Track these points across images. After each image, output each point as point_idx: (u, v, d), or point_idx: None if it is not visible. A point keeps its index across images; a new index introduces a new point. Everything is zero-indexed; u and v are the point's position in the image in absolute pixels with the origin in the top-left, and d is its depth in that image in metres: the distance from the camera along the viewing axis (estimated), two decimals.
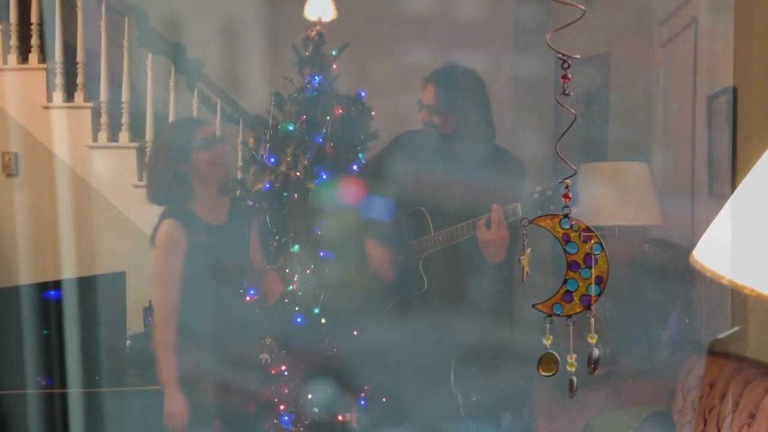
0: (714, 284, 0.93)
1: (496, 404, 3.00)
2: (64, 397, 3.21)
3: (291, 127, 3.17)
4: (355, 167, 3.19)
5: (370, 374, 2.98)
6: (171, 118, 4.19)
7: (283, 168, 3.17)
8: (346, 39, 3.30)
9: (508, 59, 4.40)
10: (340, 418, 3.03)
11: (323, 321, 3.08)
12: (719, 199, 3.04)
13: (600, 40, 4.24)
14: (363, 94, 3.27)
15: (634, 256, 3.34)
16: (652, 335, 3.26)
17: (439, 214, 2.83)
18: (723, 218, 0.96)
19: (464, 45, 4.22)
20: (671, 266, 3.14)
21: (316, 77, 3.18)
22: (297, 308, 3.08)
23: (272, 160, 3.20)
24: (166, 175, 2.68)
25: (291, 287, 3.11)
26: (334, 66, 3.25)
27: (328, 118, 3.17)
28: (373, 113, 3.28)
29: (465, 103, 2.83)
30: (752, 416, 2.25)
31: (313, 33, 3.19)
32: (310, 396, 3.03)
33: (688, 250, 1.01)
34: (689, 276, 3.18)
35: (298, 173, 3.15)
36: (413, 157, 2.89)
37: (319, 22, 3.21)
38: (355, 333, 3.06)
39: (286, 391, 3.02)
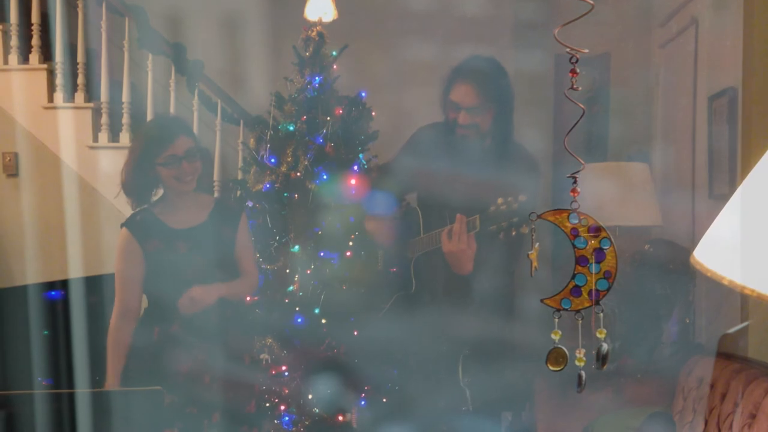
0: (714, 284, 0.93)
1: (496, 403, 3.00)
2: (68, 397, 3.21)
3: (291, 128, 3.17)
4: (355, 167, 3.19)
5: (370, 374, 2.98)
6: None
7: (283, 168, 3.18)
8: (347, 39, 3.30)
9: (508, 55, 4.39)
10: (340, 418, 3.03)
11: (323, 321, 3.08)
12: (719, 199, 3.04)
13: (601, 40, 4.24)
14: (363, 94, 3.27)
15: (635, 256, 3.34)
16: (653, 336, 3.26)
17: (448, 211, 2.79)
18: (723, 218, 0.96)
19: (465, 41, 4.22)
20: (672, 266, 3.14)
21: (317, 78, 3.18)
22: (297, 308, 3.08)
23: (273, 160, 3.20)
24: (136, 174, 2.66)
25: (291, 287, 3.11)
26: (335, 66, 3.25)
27: (328, 118, 3.17)
28: (373, 113, 3.29)
29: (499, 99, 2.74)
30: (753, 416, 2.25)
31: (314, 33, 3.20)
32: (310, 396, 3.03)
33: (689, 251, 1.02)
34: (690, 276, 3.18)
35: (298, 173, 3.15)
36: (433, 152, 2.83)
37: (320, 23, 3.22)
38: (355, 333, 3.06)
39: (287, 391, 3.02)
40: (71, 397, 2.71)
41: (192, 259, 2.66)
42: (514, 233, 2.48)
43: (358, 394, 3.06)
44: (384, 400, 3.07)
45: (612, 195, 3.25)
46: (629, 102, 4.32)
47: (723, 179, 3.04)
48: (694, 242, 1.00)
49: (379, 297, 2.97)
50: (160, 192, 2.76)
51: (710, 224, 0.98)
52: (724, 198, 1.00)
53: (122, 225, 2.69)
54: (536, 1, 4.35)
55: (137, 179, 2.66)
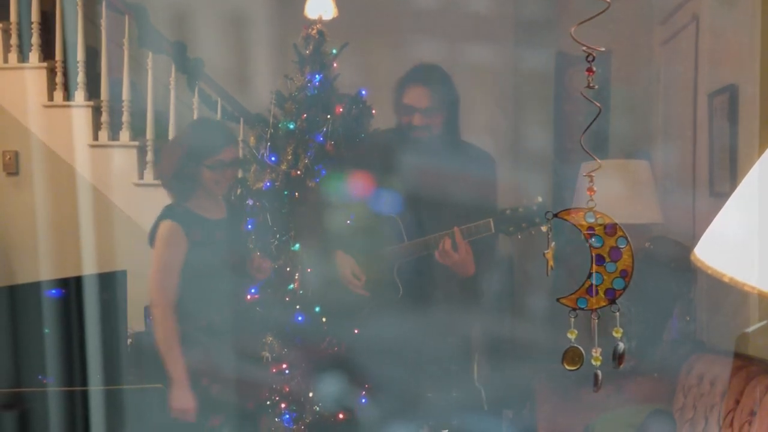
0: (715, 282, 0.93)
1: (498, 402, 3.00)
2: (72, 395, 3.22)
3: (292, 126, 3.17)
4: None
5: (371, 372, 2.98)
6: (172, 117, 4.19)
7: (283, 166, 3.18)
8: (347, 37, 3.30)
9: (509, 53, 4.39)
10: (341, 416, 3.03)
11: (324, 320, 3.08)
12: (720, 197, 3.04)
13: (603, 38, 4.23)
14: (363, 92, 3.27)
15: (635, 255, 3.34)
16: (653, 333, 3.26)
17: (428, 215, 2.84)
18: (724, 216, 0.96)
19: (466, 39, 4.21)
20: (672, 264, 3.14)
21: (317, 76, 3.18)
22: (298, 306, 3.08)
23: (273, 158, 3.20)
24: (176, 168, 2.79)
25: (292, 286, 3.11)
26: (335, 64, 3.24)
27: (328, 116, 3.17)
28: (373, 111, 3.28)
29: (448, 102, 2.86)
30: (753, 413, 2.25)
31: (314, 31, 3.19)
32: (311, 394, 3.03)
33: (689, 248, 1.01)
34: (690, 274, 3.18)
35: (298, 172, 3.15)
36: (390, 157, 2.89)
37: (320, 21, 3.21)
38: (355, 331, 3.06)
39: (287, 389, 3.02)
40: (74, 395, 2.71)
41: (228, 248, 2.81)
42: (533, 233, 2.61)
43: (359, 392, 3.06)
44: (385, 398, 3.07)
45: (613, 193, 3.25)
46: (630, 100, 4.31)
47: (724, 177, 3.04)
48: (695, 240, 0.99)
49: (376, 297, 2.97)
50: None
51: (711, 222, 0.98)
52: (725, 196, 1.00)
53: (163, 218, 2.78)
54: (539, 1, 4.35)
55: (182, 174, 2.78)
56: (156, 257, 2.76)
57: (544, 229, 0.90)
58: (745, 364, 2.47)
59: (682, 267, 3.11)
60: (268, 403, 3.02)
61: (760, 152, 0.95)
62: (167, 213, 2.80)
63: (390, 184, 2.89)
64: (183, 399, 2.67)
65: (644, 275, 3.21)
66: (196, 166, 2.77)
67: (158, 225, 2.77)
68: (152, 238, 2.80)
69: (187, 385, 2.67)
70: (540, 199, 2.67)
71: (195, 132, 3.02)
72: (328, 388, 3.01)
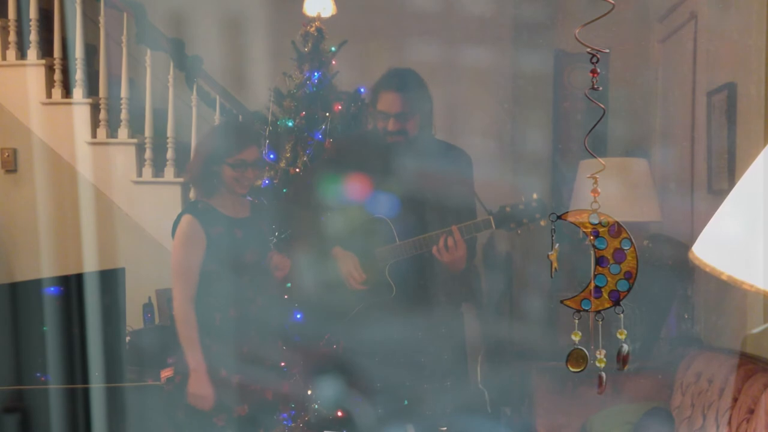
0: (713, 280, 0.93)
1: (496, 400, 3.00)
2: (69, 393, 3.21)
3: (290, 123, 3.18)
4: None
5: (369, 370, 2.98)
6: (170, 115, 4.19)
7: (282, 164, 3.18)
8: (346, 34, 3.30)
9: (508, 55, 4.38)
10: (339, 414, 3.04)
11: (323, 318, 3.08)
12: (718, 194, 3.04)
13: (601, 37, 4.23)
14: (362, 90, 3.27)
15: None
16: (652, 332, 3.27)
17: (422, 215, 2.87)
18: (722, 214, 0.96)
19: (465, 40, 4.21)
20: (671, 262, 3.14)
21: (316, 73, 3.18)
22: (296, 305, 3.09)
23: (271, 156, 3.20)
24: (202, 167, 2.86)
25: (290, 284, 3.11)
26: (334, 62, 3.25)
27: (327, 114, 3.17)
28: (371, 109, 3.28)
29: (421, 104, 2.89)
30: (751, 411, 2.25)
31: (313, 29, 3.19)
32: (309, 392, 3.03)
33: (688, 246, 1.01)
34: (688, 272, 3.18)
35: (297, 169, 3.15)
36: (373, 160, 2.91)
37: (319, 18, 3.21)
38: (354, 330, 3.06)
39: (286, 387, 3.02)
40: (73, 392, 2.71)
41: (249, 246, 2.85)
42: (532, 228, 2.65)
43: (357, 390, 3.07)
44: (383, 396, 3.07)
45: (611, 191, 3.25)
46: (629, 98, 4.31)
47: (722, 175, 3.05)
48: (693, 238, 1.00)
49: (369, 297, 2.96)
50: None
51: (709, 220, 0.98)
52: (723, 193, 1.00)
53: (183, 213, 2.85)
54: (537, 0, 4.34)
55: (206, 172, 2.84)
56: (175, 251, 2.84)
57: (543, 223, 0.90)
58: (743, 362, 2.47)
59: (681, 265, 3.12)
60: (266, 401, 3.02)
61: (758, 150, 0.96)
62: (189, 208, 2.88)
63: (379, 186, 2.90)
64: (200, 386, 2.73)
65: (643, 273, 3.21)
66: (219, 164, 2.83)
67: (180, 219, 2.84)
68: (174, 231, 2.87)
69: (205, 373, 2.74)
70: (536, 195, 2.75)
71: (219, 132, 3.10)
72: (327, 387, 3.01)
